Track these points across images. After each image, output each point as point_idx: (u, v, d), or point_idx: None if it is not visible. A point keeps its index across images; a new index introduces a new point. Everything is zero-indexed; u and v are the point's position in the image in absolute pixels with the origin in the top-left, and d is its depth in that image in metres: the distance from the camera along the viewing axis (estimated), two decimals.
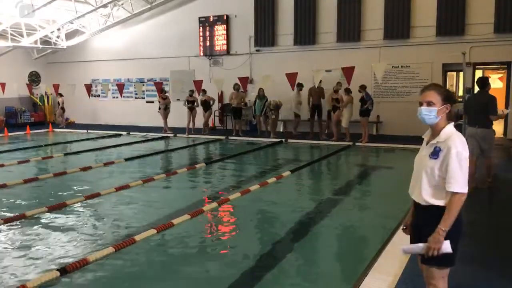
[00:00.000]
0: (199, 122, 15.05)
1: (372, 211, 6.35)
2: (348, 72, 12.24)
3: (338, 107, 12.74)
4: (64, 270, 4.06)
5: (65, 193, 7.24)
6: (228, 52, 16.10)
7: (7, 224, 5.58)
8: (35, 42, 17.34)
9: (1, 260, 4.59)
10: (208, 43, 16.34)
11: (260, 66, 15.48)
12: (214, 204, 6.33)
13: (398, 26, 13.40)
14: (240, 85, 14.38)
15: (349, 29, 14.04)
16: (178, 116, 15.79)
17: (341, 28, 14.16)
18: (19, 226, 5.60)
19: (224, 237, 5.43)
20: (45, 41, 18.11)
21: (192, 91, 14.96)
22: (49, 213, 6.07)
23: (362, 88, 12.26)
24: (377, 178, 8.90)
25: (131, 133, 15.65)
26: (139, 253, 4.68)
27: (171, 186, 8.10)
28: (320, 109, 13.45)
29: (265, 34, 15.32)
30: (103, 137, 14.84)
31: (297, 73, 13.09)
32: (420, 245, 2.70)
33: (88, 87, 16.94)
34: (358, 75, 12.58)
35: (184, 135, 14.76)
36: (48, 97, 19.72)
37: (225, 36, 16.00)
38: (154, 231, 5.10)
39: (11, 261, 4.57)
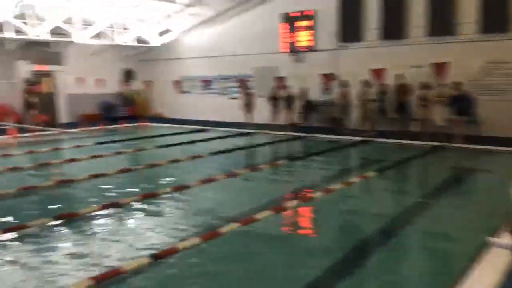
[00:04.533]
0: (282, 118, 15.10)
1: (465, 219, 5.91)
2: (439, 68, 11.52)
3: (425, 105, 12.15)
4: (155, 257, 4.31)
5: (154, 184, 7.66)
6: (311, 48, 15.96)
7: (102, 210, 6.05)
8: (131, 40, 18.58)
9: (96, 244, 4.98)
10: (291, 40, 16.32)
11: (345, 62, 15.14)
12: (296, 202, 6.34)
13: (497, 19, 12.32)
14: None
15: (441, 23, 13.19)
16: (261, 112, 15.97)
17: (432, 21, 13.36)
18: (113, 213, 6.04)
19: (305, 234, 5.42)
20: (138, 40, 19.33)
21: (275, 87, 15.03)
22: (140, 202, 6.46)
23: (458, 86, 11.50)
24: (471, 183, 8.25)
25: (215, 128, 16.12)
26: (222, 246, 4.81)
27: (253, 181, 8.22)
28: (406, 107, 12.81)
29: (349, 29, 14.92)
30: (190, 132, 15.46)
31: (384, 69, 12.58)
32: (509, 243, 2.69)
33: (177, 83, 17.68)
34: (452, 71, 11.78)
35: (267, 131, 14.89)
36: (141, 93, 21.02)
37: (309, 32, 15.88)
38: (238, 224, 5.23)
39: (104, 245, 4.93)
